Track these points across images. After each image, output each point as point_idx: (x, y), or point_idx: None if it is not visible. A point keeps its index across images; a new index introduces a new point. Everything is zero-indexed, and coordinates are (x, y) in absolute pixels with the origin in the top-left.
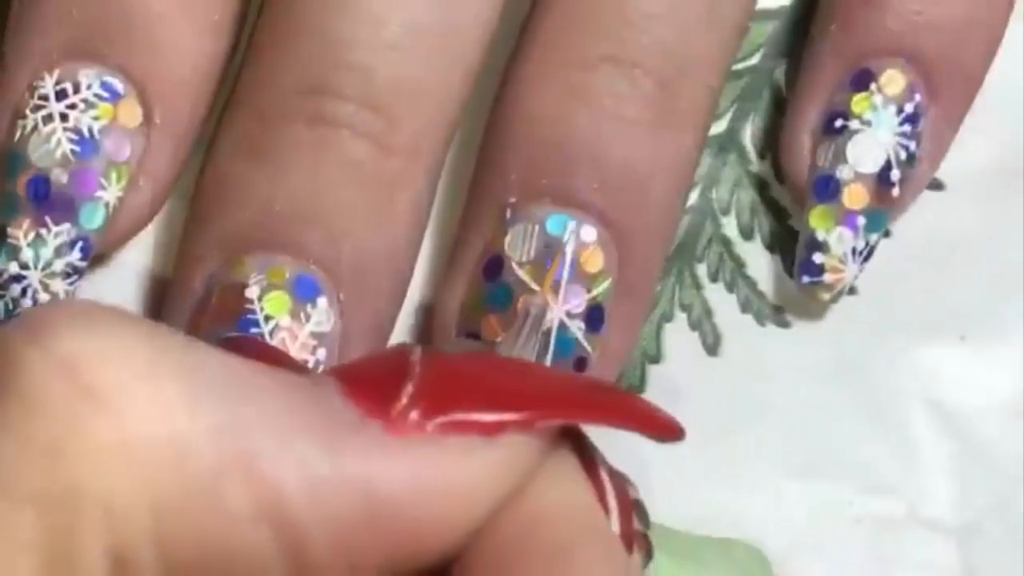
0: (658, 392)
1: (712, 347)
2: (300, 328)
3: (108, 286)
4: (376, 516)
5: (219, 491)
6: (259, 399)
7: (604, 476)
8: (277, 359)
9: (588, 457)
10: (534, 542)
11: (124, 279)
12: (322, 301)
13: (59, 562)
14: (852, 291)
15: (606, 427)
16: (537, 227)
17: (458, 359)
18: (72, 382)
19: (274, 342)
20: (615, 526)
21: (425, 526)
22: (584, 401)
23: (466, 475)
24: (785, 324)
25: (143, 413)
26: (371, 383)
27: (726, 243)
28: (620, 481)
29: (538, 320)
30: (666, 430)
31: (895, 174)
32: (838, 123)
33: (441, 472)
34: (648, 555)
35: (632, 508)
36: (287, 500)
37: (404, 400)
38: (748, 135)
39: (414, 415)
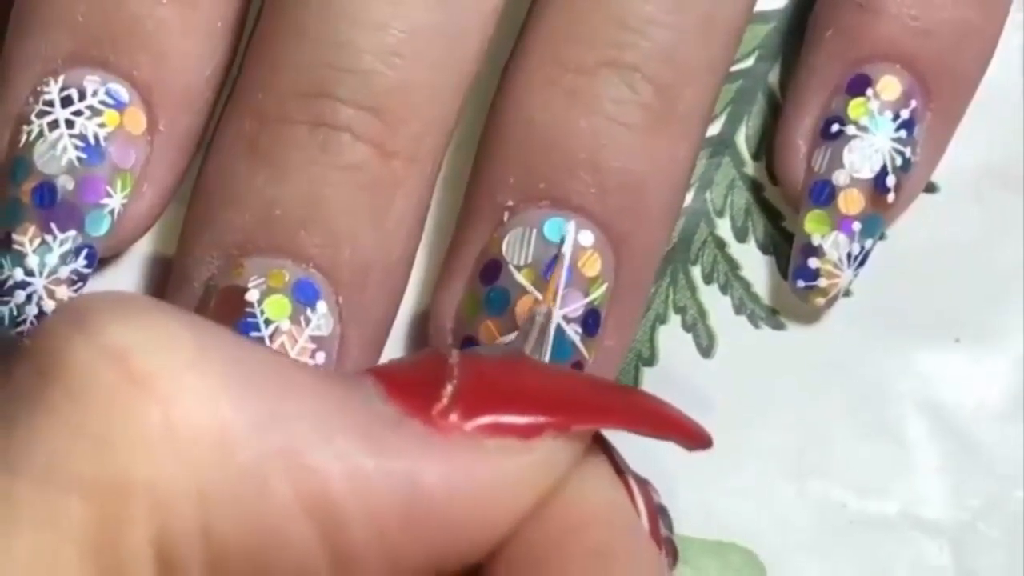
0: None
1: (706, 349)
2: (300, 332)
3: (105, 287)
4: (416, 512)
5: (264, 482)
6: (302, 393)
7: (632, 481)
8: None
9: (615, 462)
10: (575, 542)
11: (122, 282)
12: (321, 305)
13: (105, 552)
14: (846, 293)
15: (640, 433)
16: (535, 231)
17: (495, 362)
18: (120, 370)
19: (274, 346)
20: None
21: (464, 524)
22: (619, 407)
23: (504, 475)
24: (779, 326)
25: (191, 402)
26: (411, 383)
27: (720, 245)
28: (645, 486)
29: (544, 327)
30: (697, 438)
31: (891, 180)
32: (834, 128)
33: (480, 471)
34: (674, 559)
35: (658, 513)
36: (331, 493)
37: (444, 400)
38: (742, 137)
39: (454, 416)
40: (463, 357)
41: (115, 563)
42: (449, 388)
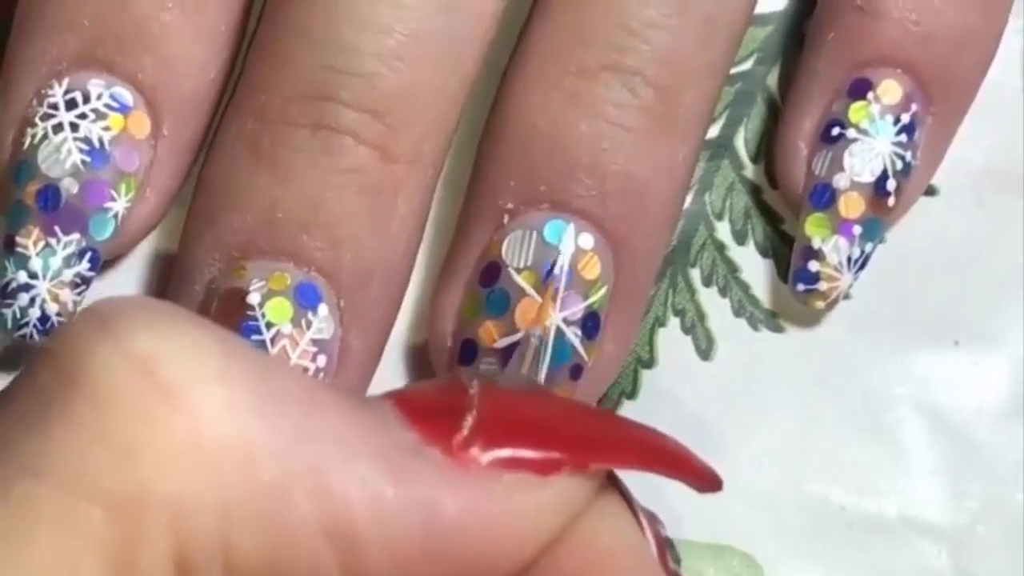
0: (651, 397)
1: (705, 352)
2: (301, 335)
3: (106, 290)
4: (433, 542)
5: (286, 500)
6: (326, 413)
7: (640, 514)
8: None
9: (625, 497)
10: None
11: (124, 283)
12: (323, 308)
13: (125, 562)
14: (846, 296)
15: (654, 472)
16: (535, 233)
17: (515, 395)
18: (147, 379)
19: (275, 349)
20: None
21: (480, 556)
22: (637, 446)
23: (521, 509)
24: (778, 329)
25: (217, 415)
26: (430, 411)
27: (719, 247)
28: (653, 520)
29: (538, 349)
30: (710, 482)
31: (891, 183)
32: (835, 131)
33: (497, 505)
34: None
35: (665, 547)
36: (351, 518)
37: (464, 431)
38: (741, 140)
39: (474, 448)
40: (483, 387)
41: (134, 574)
42: (469, 420)
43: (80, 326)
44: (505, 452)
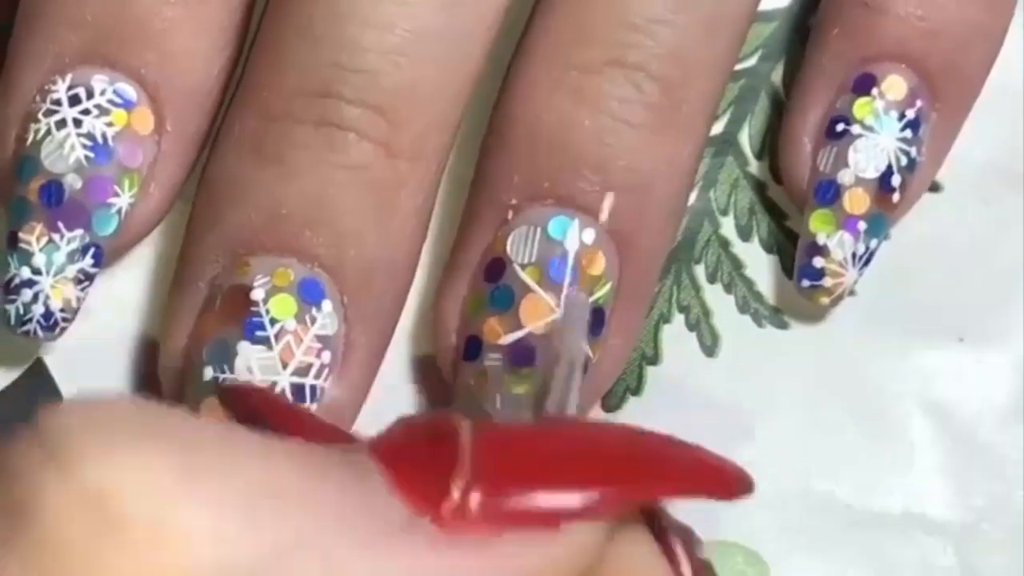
0: (656, 393)
1: (710, 348)
2: (305, 331)
3: (110, 286)
4: None
5: None
6: (305, 510)
7: (676, 543)
8: (299, 419)
9: (658, 521)
10: None
11: (127, 282)
12: (327, 304)
13: None
14: (850, 292)
15: (678, 499)
16: (539, 229)
17: (512, 433)
18: (97, 517)
19: (279, 345)
20: None
21: None
22: (652, 473)
23: (529, 569)
24: (783, 325)
25: (175, 547)
26: (417, 471)
27: (724, 244)
28: (689, 542)
29: (574, 368)
30: (742, 486)
31: (896, 179)
32: (840, 127)
33: (501, 570)
34: None
35: (704, 573)
36: None
37: (456, 495)
38: (746, 136)
39: (471, 506)
40: (476, 431)
41: None
42: (459, 480)
43: (28, 453)
44: (505, 506)
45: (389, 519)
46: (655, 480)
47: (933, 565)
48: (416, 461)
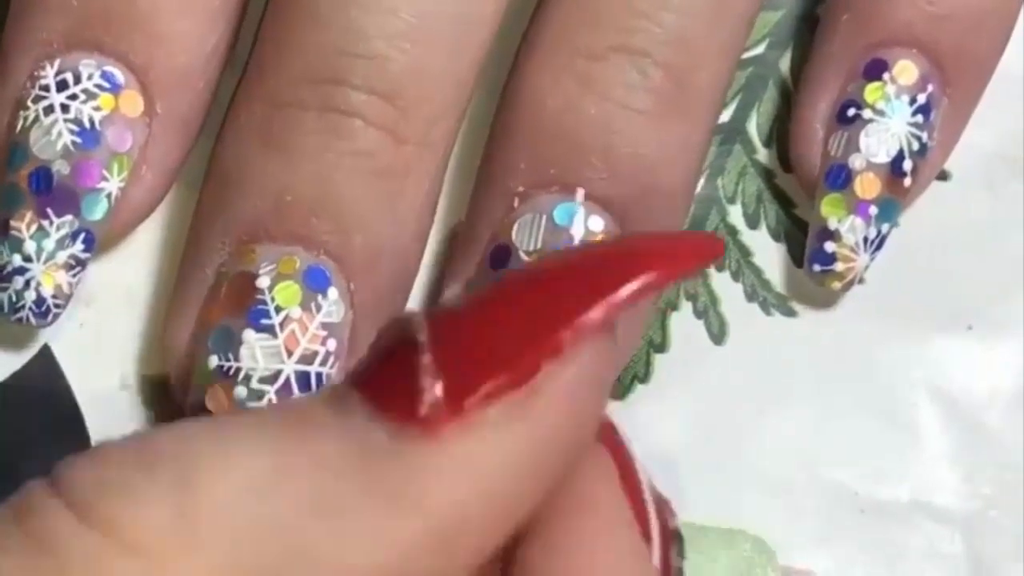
0: (664, 381)
1: (718, 336)
2: (311, 319)
3: (116, 274)
4: (452, 533)
5: None
6: (298, 497)
7: (649, 503)
8: None
9: (632, 479)
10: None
11: (134, 269)
12: (332, 292)
13: None
14: (860, 280)
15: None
16: (545, 216)
17: (468, 309)
18: (110, 539)
19: (284, 333)
20: (655, 558)
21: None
22: (606, 282)
23: (527, 439)
24: (791, 313)
25: (183, 563)
26: (387, 384)
27: (732, 232)
28: (664, 509)
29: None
30: (717, 248)
31: (907, 164)
32: (851, 112)
33: (493, 454)
34: None
35: (672, 540)
36: None
37: (425, 396)
38: (754, 125)
39: (440, 398)
40: (431, 320)
41: None
42: (426, 377)
43: (45, 501)
44: (477, 393)
45: (377, 448)
46: (607, 290)
47: (940, 552)
48: (385, 375)
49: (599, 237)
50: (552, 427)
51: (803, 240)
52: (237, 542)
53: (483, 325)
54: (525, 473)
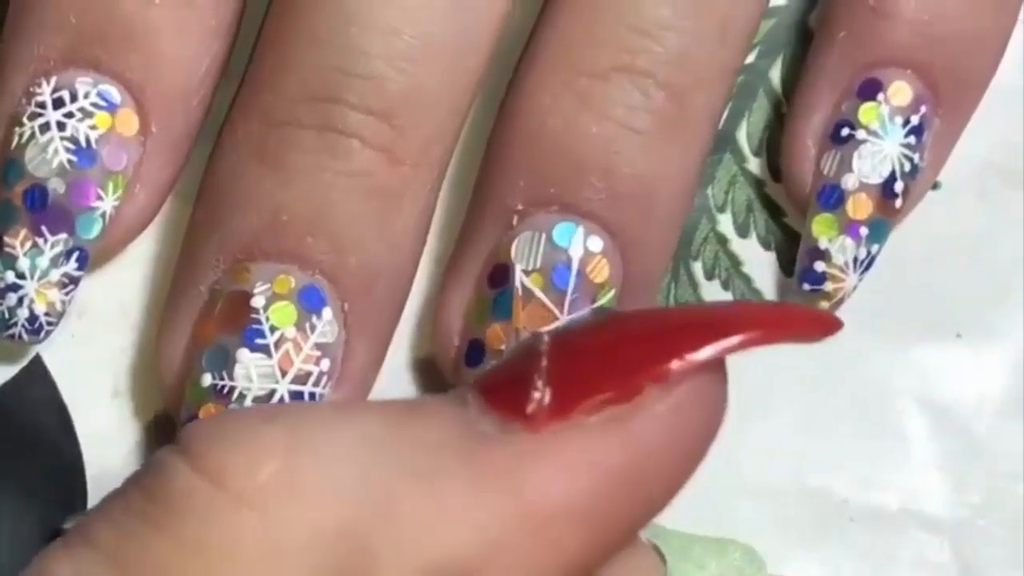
0: None
1: None
2: (305, 339)
3: (108, 285)
4: (540, 526)
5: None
6: (402, 469)
7: None
8: None
9: None
10: None
11: (127, 284)
12: (327, 312)
13: None
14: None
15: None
16: (543, 235)
17: (588, 332)
18: (219, 487)
19: (278, 353)
20: None
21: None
22: (719, 330)
23: (620, 446)
24: None
25: (285, 511)
26: (503, 384)
27: (722, 241)
28: None
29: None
30: (831, 323)
31: (899, 185)
32: (844, 132)
33: (594, 454)
34: None
35: None
36: (451, 559)
37: (536, 396)
38: (743, 133)
39: (546, 401)
40: (553, 338)
41: None
42: (539, 382)
43: (167, 456)
44: (582, 399)
45: (482, 433)
46: (724, 331)
47: (929, 561)
48: (502, 377)
49: (597, 257)
50: (646, 444)
51: (793, 249)
52: (337, 501)
53: (599, 346)
54: (617, 482)
